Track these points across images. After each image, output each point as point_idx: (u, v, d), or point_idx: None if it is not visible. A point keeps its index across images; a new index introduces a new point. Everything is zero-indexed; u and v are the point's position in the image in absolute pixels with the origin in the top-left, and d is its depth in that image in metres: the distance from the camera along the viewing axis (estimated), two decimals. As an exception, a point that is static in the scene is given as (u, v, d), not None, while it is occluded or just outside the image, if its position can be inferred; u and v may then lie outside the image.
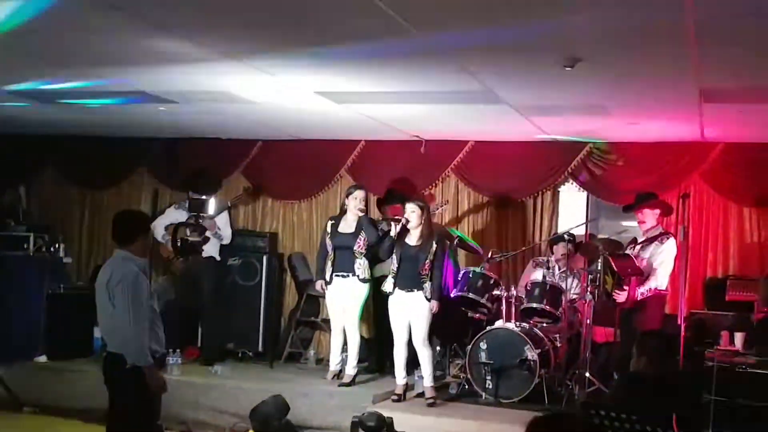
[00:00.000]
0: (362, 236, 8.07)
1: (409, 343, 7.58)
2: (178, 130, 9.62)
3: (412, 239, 7.51)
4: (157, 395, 5.22)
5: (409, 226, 7.47)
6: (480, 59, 5.92)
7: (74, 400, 7.77)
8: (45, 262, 9.21)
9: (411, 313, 7.47)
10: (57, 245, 9.63)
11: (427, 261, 7.41)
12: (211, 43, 5.72)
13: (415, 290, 7.43)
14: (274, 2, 4.81)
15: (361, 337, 8.43)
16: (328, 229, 8.26)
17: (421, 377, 7.69)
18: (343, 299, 8.16)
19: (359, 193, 8.20)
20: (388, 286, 7.56)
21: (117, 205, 10.53)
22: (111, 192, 10.78)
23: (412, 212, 7.46)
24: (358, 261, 8.08)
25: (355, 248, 8.07)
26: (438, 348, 8.53)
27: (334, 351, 8.33)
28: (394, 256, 7.55)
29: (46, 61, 6.52)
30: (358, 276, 8.08)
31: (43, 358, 8.82)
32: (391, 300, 7.57)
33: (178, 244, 8.29)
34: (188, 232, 8.47)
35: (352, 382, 8.05)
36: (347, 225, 8.16)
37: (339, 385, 7.98)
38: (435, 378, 7.72)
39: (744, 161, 8.53)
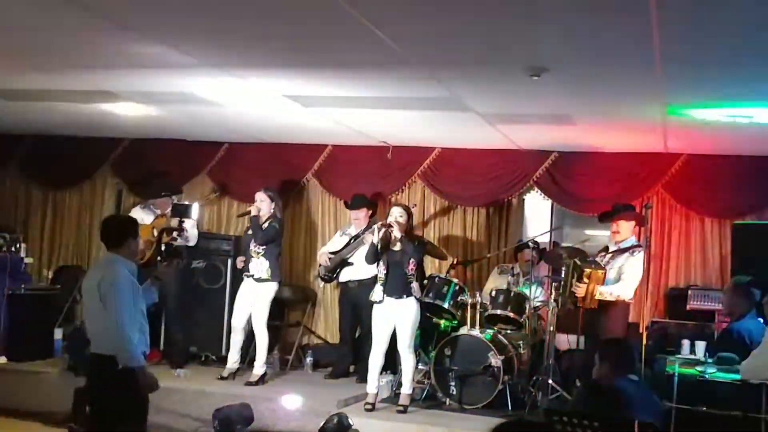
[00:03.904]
0: (258, 236, 8.22)
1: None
2: (143, 130, 9.54)
3: (396, 245, 7.38)
4: (147, 396, 5.24)
5: (393, 232, 7.29)
6: (448, 68, 5.96)
7: (34, 402, 7.67)
8: (5, 262, 9.05)
9: (399, 320, 7.32)
10: (18, 245, 9.49)
11: (411, 261, 7.31)
12: (181, 46, 5.70)
13: (405, 296, 7.29)
14: (246, 8, 4.79)
15: (326, 342, 8.39)
16: None
17: (390, 382, 7.71)
18: (249, 299, 8.27)
19: (257, 195, 8.37)
20: (377, 295, 7.38)
21: (80, 206, 10.47)
22: (74, 192, 10.66)
23: (400, 216, 7.34)
24: (253, 260, 8.21)
25: (251, 248, 8.22)
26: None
27: (232, 349, 8.38)
28: (381, 264, 7.40)
29: (13, 57, 6.44)
30: (252, 276, 8.21)
31: (2, 360, 8.67)
32: (378, 308, 7.40)
33: (162, 248, 8.27)
34: (175, 236, 8.45)
35: (261, 381, 8.10)
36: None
37: (245, 384, 8.02)
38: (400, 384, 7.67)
39: (706, 173, 8.62)
